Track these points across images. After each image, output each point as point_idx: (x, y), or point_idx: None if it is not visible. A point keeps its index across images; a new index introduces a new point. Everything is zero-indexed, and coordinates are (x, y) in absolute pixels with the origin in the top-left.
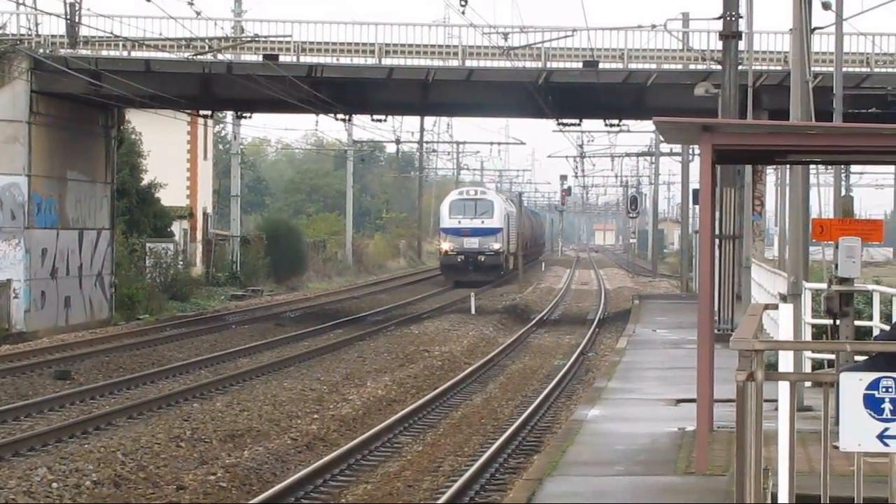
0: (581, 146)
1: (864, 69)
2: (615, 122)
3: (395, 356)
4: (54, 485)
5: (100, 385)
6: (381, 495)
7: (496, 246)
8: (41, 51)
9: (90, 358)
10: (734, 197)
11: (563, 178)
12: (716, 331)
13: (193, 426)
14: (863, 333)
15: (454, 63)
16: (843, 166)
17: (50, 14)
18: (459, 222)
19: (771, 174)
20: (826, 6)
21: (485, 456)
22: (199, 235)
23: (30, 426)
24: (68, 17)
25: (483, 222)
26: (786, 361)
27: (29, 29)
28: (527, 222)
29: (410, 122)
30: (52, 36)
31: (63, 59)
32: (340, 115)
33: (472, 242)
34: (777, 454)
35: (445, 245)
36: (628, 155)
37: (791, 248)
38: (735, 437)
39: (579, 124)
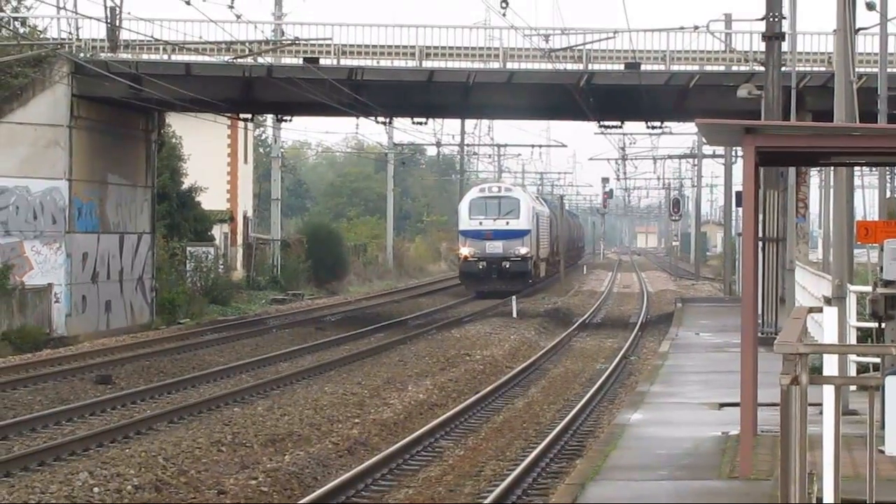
0: (623, 148)
1: None
2: (657, 124)
3: (437, 360)
4: (95, 489)
5: (141, 389)
6: (422, 500)
7: (523, 251)
8: (82, 55)
9: (131, 362)
10: (778, 199)
11: (605, 180)
12: (759, 334)
13: (234, 430)
14: None
15: (495, 65)
16: (888, 168)
17: (90, 18)
18: (480, 224)
19: (815, 176)
20: (870, 6)
21: (527, 460)
22: (239, 239)
23: (71, 431)
24: (108, 20)
25: (508, 223)
26: (830, 365)
27: (69, 33)
28: (563, 222)
29: (451, 125)
30: (93, 40)
31: (104, 62)
32: (381, 118)
33: (495, 247)
34: (822, 459)
35: (465, 250)
36: (671, 157)
37: (835, 250)
38: (779, 441)
39: (621, 126)
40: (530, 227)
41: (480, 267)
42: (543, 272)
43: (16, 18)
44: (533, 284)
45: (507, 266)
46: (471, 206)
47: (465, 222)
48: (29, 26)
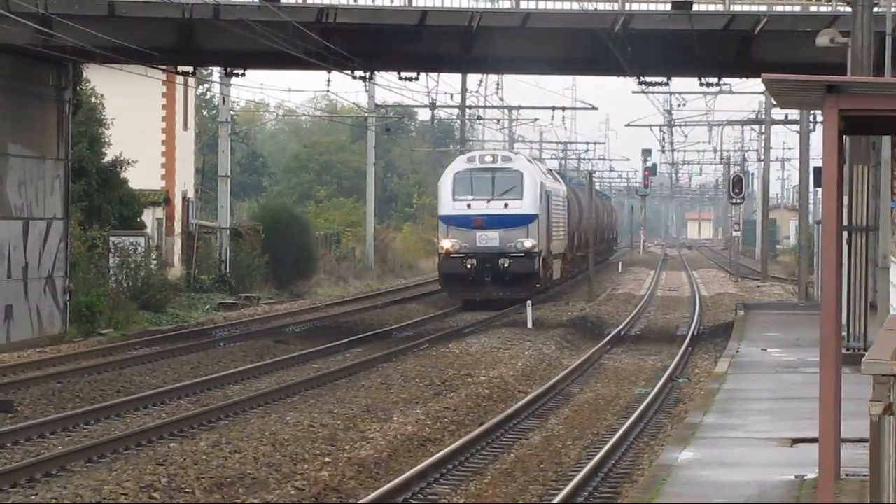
0: (669, 112)
1: None
2: (713, 80)
3: (430, 383)
4: None
5: (50, 419)
6: None
7: (527, 244)
8: None
9: (38, 384)
10: (868, 177)
11: (647, 152)
12: (844, 350)
13: (170, 472)
14: None
15: (506, 4)
16: None
17: None
18: (469, 206)
19: None
20: None
21: None
22: (177, 227)
23: None
24: None
25: (506, 206)
26: None
27: None
28: (588, 205)
29: (450, 81)
30: None
31: (2, 0)
32: (359, 73)
33: (488, 238)
34: None
35: (447, 243)
36: (730, 123)
37: None
38: (868, 486)
39: (667, 84)
40: (537, 210)
41: (468, 266)
42: (558, 273)
43: None
44: (542, 290)
45: (506, 265)
46: (455, 183)
47: (448, 205)
48: None
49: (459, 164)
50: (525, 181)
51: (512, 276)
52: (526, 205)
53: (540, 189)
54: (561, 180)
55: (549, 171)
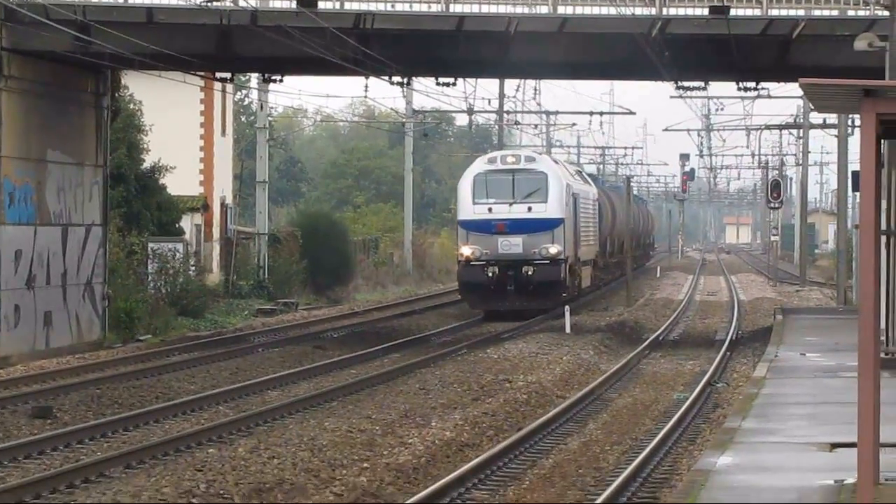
0: (707, 116)
1: None
2: (751, 85)
3: (468, 388)
4: None
5: (89, 425)
6: None
7: (552, 250)
8: None
9: (77, 390)
10: None
11: (685, 157)
12: (883, 354)
13: (209, 478)
14: None
15: (543, 9)
16: None
17: None
18: (490, 210)
19: None
20: None
21: None
22: (215, 233)
23: (0, 477)
24: None
25: (530, 209)
26: None
27: None
28: (622, 209)
29: (487, 87)
30: None
31: (42, 7)
32: (397, 78)
33: (510, 244)
34: None
35: (467, 249)
36: (768, 127)
37: None
38: None
39: (704, 88)
40: (563, 214)
41: (490, 275)
42: (588, 281)
43: None
44: (570, 299)
45: (530, 273)
46: (475, 185)
47: (468, 209)
48: None
49: (480, 165)
50: (550, 183)
51: (536, 284)
52: (551, 208)
53: (566, 191)
54: (591, 182)
55: (579, 172)
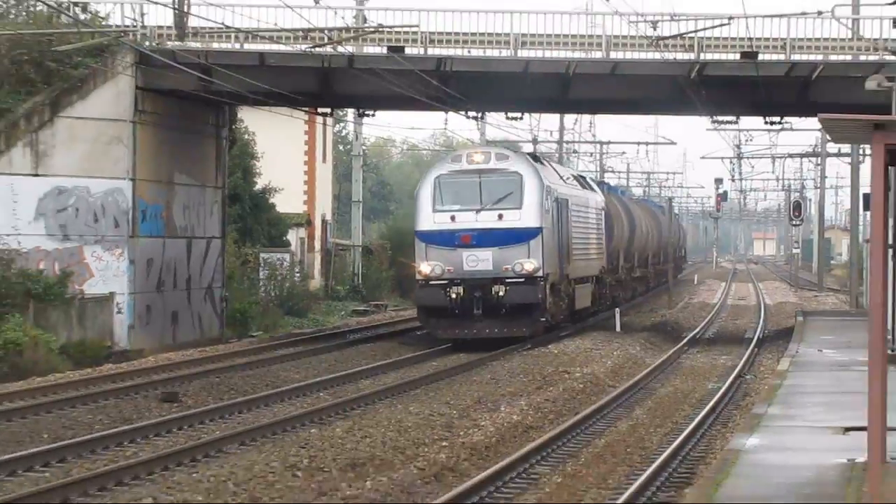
0: (738, 146)
1: None
2: (776, 119)
3: (532, 378)
4: None
5: (210, 408)
6: None
7: (528, 265)
8: (147, 43)
9: (199, 378)
10: None
11: (719, 181)
12: (890, 351)
13: (311, 454)
14: None
15: (597, 55)
16: None
17: (156, 3)
18: (453, 219)
19: None
20: None
21: (631, 489)
22: (317, 245)
23: (134, 453)
24: (176, 6)
25: (501, 217)
26: None
27: (134, 20)
28: (645, 221)
29: (549, 120)
30: (159, 27)
31: (171, 52)
32: (472, 113)
33: (477, 259)
34: None
35: (425, 266)
36: (791, 156)
37: None
38: None
39: (736, 122)
40: (541, 223)
41: (453, 296)
42: (587, 301)
43: (76, 4)
44: (551, 328)
45: (501, 294)
46: (436, 189)
47: (428, 218)
48: (90, 12)
49: (443, 166)
50: (525, 185)
51: (509, 307)
52: (526, 215)
53: (545, 195)
54: (596, 188)
55: (579, 176)
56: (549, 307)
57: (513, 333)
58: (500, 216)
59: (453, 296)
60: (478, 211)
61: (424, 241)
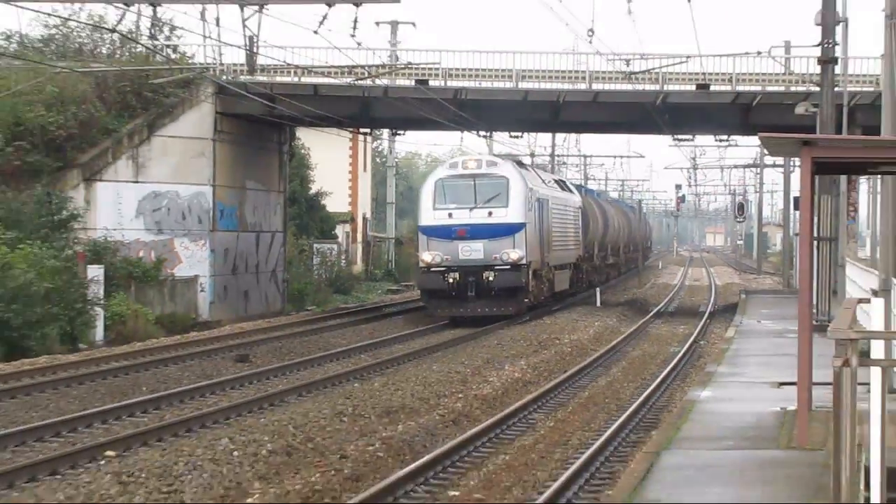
0: (694, 159)
1: None
2: (724, 137)
3: (530, 343)
4: (235, 453)
5: (274, 367)
6: (517, 465)
7: (513, 255)
8: (224, 77)
9: (265, 343)
10: (831, 203)
11: (678, 187)
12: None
13: (354, 403)
14: None
15: (582, 86)
16: None
17: (231, 45)
18: (450, 216)
19: (864, 183)
20: None
21: (609, 431)
22: (359, 237)
23: (214, 402)
24: (247, 47)
25: (491, 214)
26: (877, 349)
27: (214, 59)
28: (618, 218)
29: (543, 138)
30: (234, 64)
31: (243, 84)
32: (482, 132)
33: (471, 249)
34: (869, 431)
35: (427, 255)
36: (736, 167)
37: (882, 248)
38: (832, 416)
39: (692, 140)
40: (525, 219)
41: (450, 281)
42: (565, 284)
43: (168, 46)
44: (533, 307)
45: (491, 279)
46: (436, 190)
47: (429, 215)
48: (179, 53)
49: (442, 171)
50: (511, 187)
51: (498, 290)
52: (512, 213)
53: (528, 196)
54: (575, 191)
55: (560, 181)
56: (531, 289)
57: (501, 312)
58: (490, 213)
59: (450, 280)
60: (471, 209)
61: (426, 234)
